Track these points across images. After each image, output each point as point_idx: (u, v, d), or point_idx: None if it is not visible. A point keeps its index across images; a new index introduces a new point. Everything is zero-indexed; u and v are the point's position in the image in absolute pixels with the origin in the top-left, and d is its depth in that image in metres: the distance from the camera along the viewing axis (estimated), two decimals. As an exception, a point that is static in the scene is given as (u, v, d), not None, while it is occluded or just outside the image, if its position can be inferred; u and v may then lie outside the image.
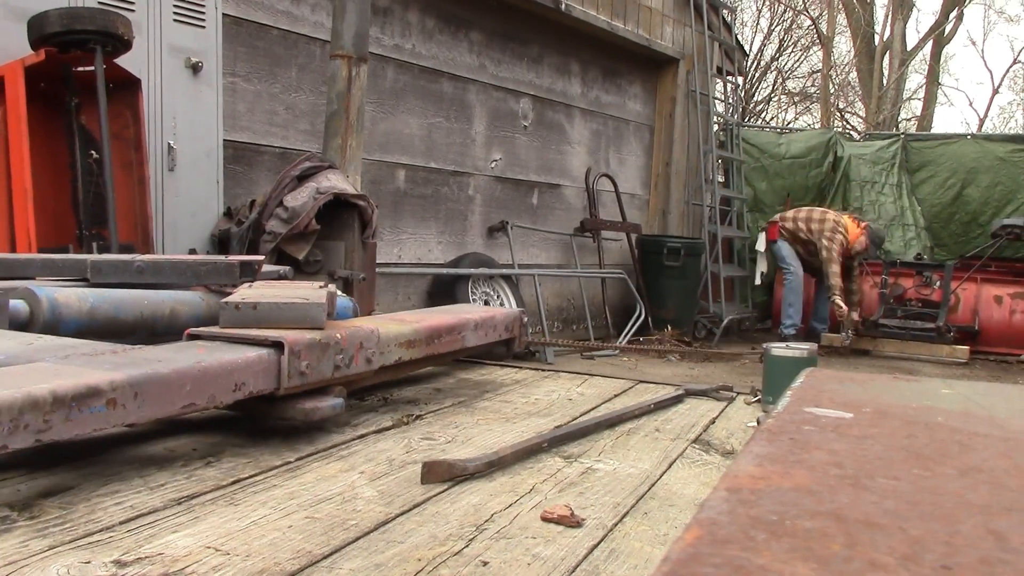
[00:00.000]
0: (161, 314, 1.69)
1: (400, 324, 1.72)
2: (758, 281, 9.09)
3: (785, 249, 8.24)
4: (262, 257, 1.88)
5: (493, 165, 7.32)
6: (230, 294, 1.64)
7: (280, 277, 2.05)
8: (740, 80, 12.69)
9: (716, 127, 9.86)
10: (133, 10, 3.98)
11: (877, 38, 19.20)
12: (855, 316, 7.98)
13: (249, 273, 1.76)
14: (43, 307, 1.51)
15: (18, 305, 1.50)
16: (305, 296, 1.51)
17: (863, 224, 8.12)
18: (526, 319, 2.21)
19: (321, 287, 1.71)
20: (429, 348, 1.77)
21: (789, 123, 19.76)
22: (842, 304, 7.86)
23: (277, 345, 1.37)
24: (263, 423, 1.52)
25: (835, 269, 7.88)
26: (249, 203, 4.40)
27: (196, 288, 1.85)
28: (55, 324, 1.52)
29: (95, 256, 1.95)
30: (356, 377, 1.55)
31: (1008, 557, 0.50)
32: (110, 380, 1.12)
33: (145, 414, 1.17)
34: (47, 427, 1.04)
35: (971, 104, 30.09)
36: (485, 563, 0.95)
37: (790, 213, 8.38)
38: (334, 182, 4.12)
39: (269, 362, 1.35)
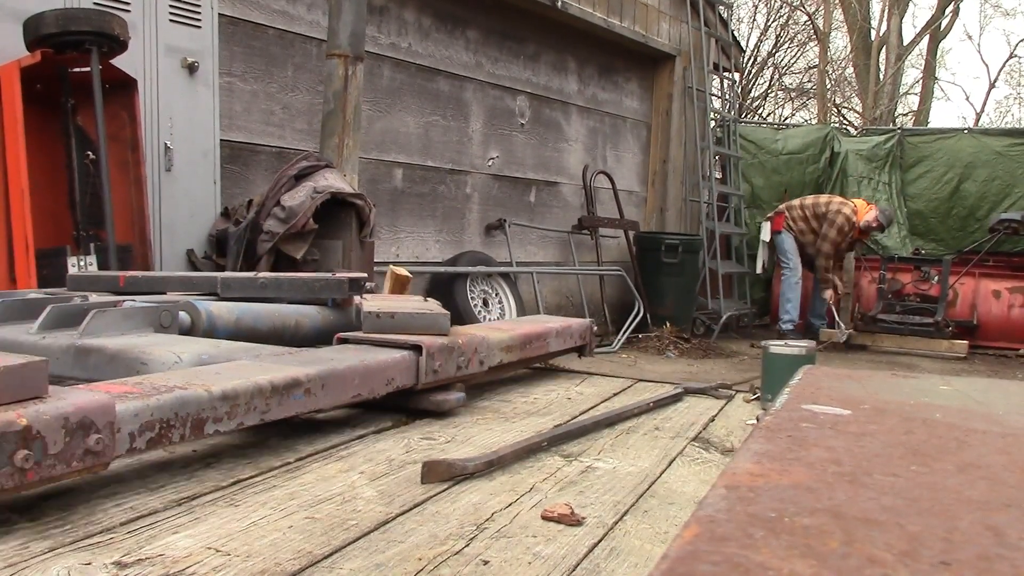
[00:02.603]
0: (288, 324, 1.96)
1: (500, 332, 1.95)
2: (759, 270, 9.09)
3: (788, 242, 8.24)
4: (365, 275, 2.12)
5: (490, 163, 7.31)
6: (345, 308, 1.99)
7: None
8: (737, 76, 12.69)
9: (713, 123, 9.86)
10: (129, 11, 3.97)
11: (873, 33, 19.19)
12: (836, 289, 7.99)
13: (357, 288, 2.00)
14: (202, 318, 1.80)
15: (184, 316, 1.79)
16: (429, 308, 1.83)
17: (872, 204, 8.18)
18: (595, 328, 2.44)
19: (425, 300, 2.00)
20: (522, 352, 2.01)
21: (786, 119, 19.77)
22: (830, 285, 7.98)
23: (416, 348, 1.63)
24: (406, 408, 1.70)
25: (827, 250, 7.93)
26: (247, 203, 4.40)
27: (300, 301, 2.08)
28: (211, 332, 1.80)
29: (224, 274, 2.22)
30: (471, 376, 1.80)
31: (1006, 553, 0.50)
32: (306, 374, 1.38)
33: (328, 402, 1.44)
34: (267, 409, 1.31)
35: (968, 99, 30.10)
36: (486, 562, 0.95)
37: (796, 201, 8.38)
38: (331, 181, 4.12)
39: (410, 362, 1.62)
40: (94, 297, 2.01)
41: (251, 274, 2.16)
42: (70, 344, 1.59)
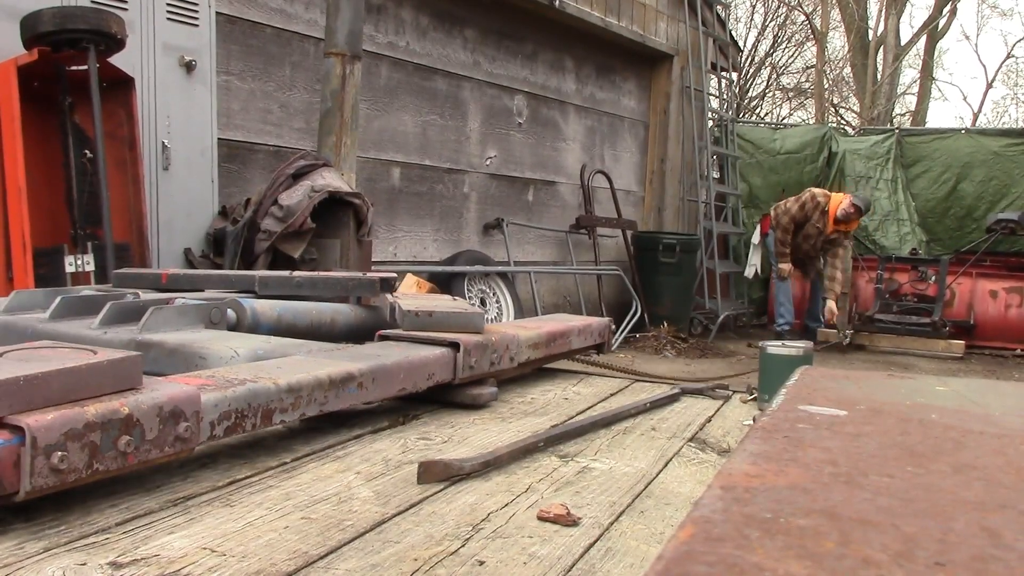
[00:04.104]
0: (324, 321, 2.04)
1: (528, 330, 2.03)
2: (748, 275, 9.11)
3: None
4: (395, 275, 2.19)
5: (488, 162, 7.31)
6: (374, 307, 2.11)
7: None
8: (734, 76, 12.70)
9: (711, 123, 9.87)
10: (126, 9, 3.96)
11: (871, 33, 19.20)
12: (834, 297, 7.95)
13: (387, 288, 2.09)
14: (247, 315, 1.89)
15: (231, 313, 1.89)
16: (462, 307, 1.93)
17: (848, 194, 8.13)
18: (613, 327, 2.52)
19: (456, 300, 2.07)
20: (548, 350, 2.09)
21: (784, 119, 19.77)
22: (787, 260, 8.03)
23: (454, 345, 1.70)
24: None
25: (785, 223, 7.95)
26: (244, 202, 4.39)
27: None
28: (255, 328, 1.88)
29: (262, 272, 2.30)
30: (503, 371, 1.88)
31: (1001, 554, 0.50)
32: (359, 368, 1.47)
33: (377, 395, 1.53)
34: (325, 401, 1.39)
35: (965, 99, 30.03)
36: (481, 562, 0.95)
37: (782, 201, 8.38)
38: (329, 180, 4.11)
39: (449, 358, 1.69)
40: (144, 294, 2.10)
41: (287, 273, 2.24)
42: (131, 339, 1.67)
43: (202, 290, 2.22)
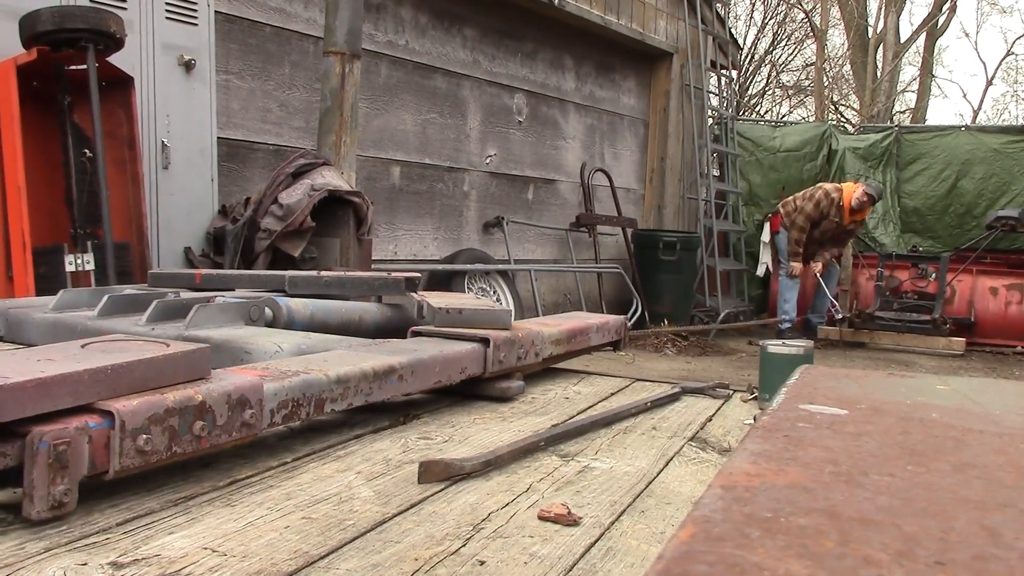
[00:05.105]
0: (353, 319, 2.12)
1: (550, 327, 2.09)
2: (760, 273, 9.10)
3: (786, 241, 8.26)
4: (419, 275, 2.26)
5: (488, 161, 7.31)
6: (398, 305, 2.20)
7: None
8: (734, 74, 12.69)
9: (711, 121, 9.86)
10: (125, 8, 3.96)
11: (871, 31, 19.19)
12: (824, 260, 7.97)
13: (412, 287, 2.17)
14: (283, 312, 1.97)
15: (268, 311, 1.98)
16: (488, 305, 2.02)
17: (860, 184, 8.18)
18: (629, 324, 2.52)
19: (478, 297, 2.15)
20: (568, 346, 2.14)
21: (783, 116, 19.77)
22: (799, 259, 8.03)
23: (484, 341, 1.78)
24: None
25: (801, 223, 7.96)
26: (244, 200, 4.39)
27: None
28: (289, 324, 1.97)
29: (291, 272, 2.36)
30: (528, 366, 1.95)
31: (1002, 553, 0.50)
32: (399, 362, 1.55)
33: (416, 387, 1.60)
34: (371, 392, 1.47)
35: (965, 96, 30.14)
36: (482, 562, 0.95)
37: (791, 196, 8.38)
38: (329, 179, 4.11)
39: (479, 353, 1.77)
40: (183, 294, 2.19)
41: (315, 272, 2.32)
42: (178, 335, 1.73)
43: (233, 289, 2.31)
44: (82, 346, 1.20)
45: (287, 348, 1.67)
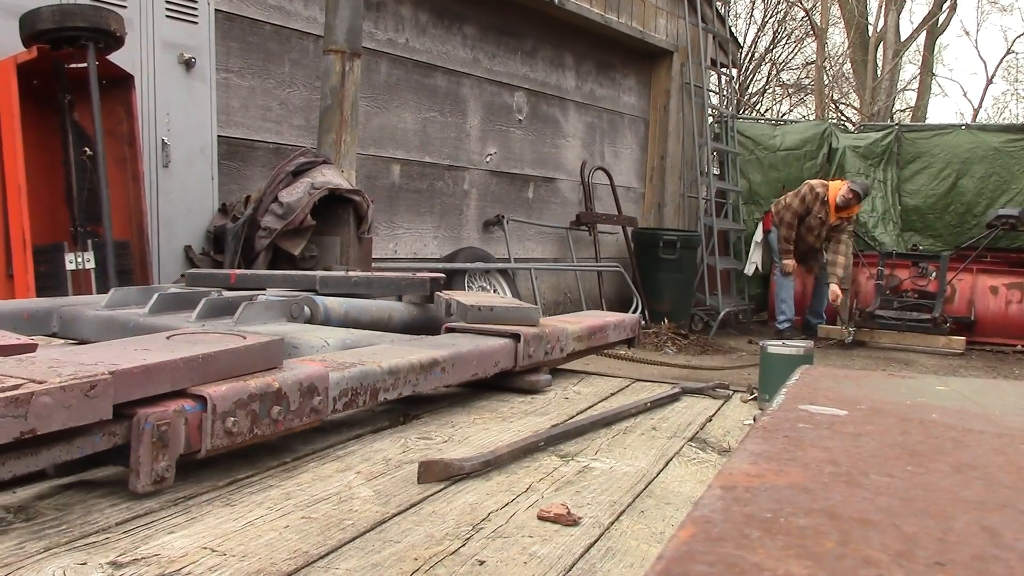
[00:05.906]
0: (383, 317, 2.23)
1: (572, 324, 2.16)
2: (748, 272, 9.11)
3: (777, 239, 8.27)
4: (443, 275, 2.36)
5: (488, 159, 7.31)
6: (422, 304, 2.31)
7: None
8: (734, 72, 12.68)
9: (711, 119, 9.86)
10: (125, 6, 3.96)
11: (871, 29, 19.18)
12: (837, 280, 7.97)
13: (437, 287, 2.28)
14: (320, 310, 2.07)
15: (306, 309, 2.09)
16: (516, 303, 2.10)
17: (846, 181, 8.18)
18: (643, 321, 2.60)
19: (502, 296, 2.18)
20: (589, 342, 2.22)
21: (784, 115, 19.76)
22: (791, 257, 8.07)
23: (515, 336, 1.86)
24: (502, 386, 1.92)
25: (788, 219, 8.01)
26: (244, 199, 4.39)
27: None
28: (326, 321, 2.07)
29: (322, 272, 2.46)
30: (554, 361, 2.03)
31: (1001, 554, 0.50)
32: (441, 355, 1.63)
33: (455, 379, 1.69)
34: (417, 383, 1.56)
35: (965, 94, 30.14)
36: (482, 562, 0.95)
37: (781, 198, 8.40)
38: (329, 177, 4.11)
39: (510, 348, 1.86)
40: (225, 293, 2.28)
41: (343, 272, 2.43)
42: (227, 331, 1.75)
43: (264, 289, 2.42)
44: (167, 338, 1.29)
45: (333, 343, 1.76)
